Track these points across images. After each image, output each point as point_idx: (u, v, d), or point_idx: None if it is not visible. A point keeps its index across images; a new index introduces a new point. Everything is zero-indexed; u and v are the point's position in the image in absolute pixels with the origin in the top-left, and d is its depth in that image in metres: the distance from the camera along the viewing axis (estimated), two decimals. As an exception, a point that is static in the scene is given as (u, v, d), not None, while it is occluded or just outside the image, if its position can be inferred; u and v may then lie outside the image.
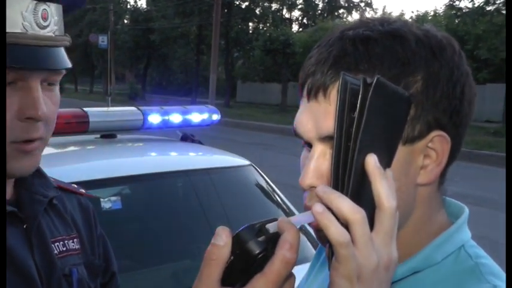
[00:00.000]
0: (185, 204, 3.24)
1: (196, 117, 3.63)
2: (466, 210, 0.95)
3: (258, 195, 3.47)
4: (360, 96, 0.70)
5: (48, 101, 1.14)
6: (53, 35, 1.12)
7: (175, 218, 3.13)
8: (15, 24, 1.05)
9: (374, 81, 0.70)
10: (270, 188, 3.44)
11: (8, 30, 1.04)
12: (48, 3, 1.11)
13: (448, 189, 0.95)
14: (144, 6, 45.08)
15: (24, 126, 1.10)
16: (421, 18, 30.56)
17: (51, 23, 1.12)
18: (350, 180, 0.70)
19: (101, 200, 2.77)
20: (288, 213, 3.23)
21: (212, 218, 3.11)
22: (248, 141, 16.20)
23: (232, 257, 0.70)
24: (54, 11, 1.13)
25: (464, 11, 20.89)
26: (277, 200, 3.38)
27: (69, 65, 1.16)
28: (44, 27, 1.10)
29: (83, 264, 1.35)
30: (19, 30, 1.06)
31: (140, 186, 3.13)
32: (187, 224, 3.11)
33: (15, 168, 1.13)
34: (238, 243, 0.70)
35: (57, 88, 1.19)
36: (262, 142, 16.33)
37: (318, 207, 0.68)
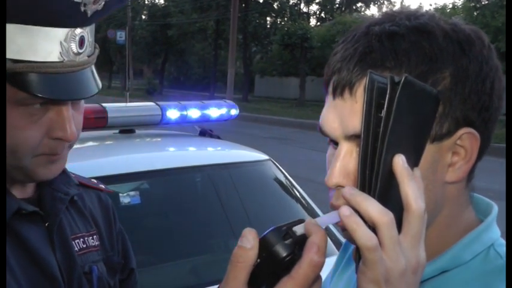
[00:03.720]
0: (204, 199, 3.23)
1: (215, 112, 3.62)
2: (495, 207, 0.93)
3: (277, 190, 3.45)
4: (387, 96, 0.68)
5: (75, 113, 1.15)
6: (87, 58, 1.10)
7: (193, 212, 3.13)
8: (52, 53, 1.02)
9: (402, 80, 0.68)
10: (289, 183, 3.43)
11: (42, 59, 1.01)
12: (85, 27, 1.07)
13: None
14: (162, 1, 45.22)
15: (53, 143, 1.11)
16: (440, 11, 30.32)
17: (87, 46, 1.09)
18: (377, 181, 0.69)
19: (120, 195, 2.78)
20: (307, 208, 3.22)
21: (231, 213, 3.10)
22: (266, 135, 16.20)
23: (259, 260, 0.69)
24: (89, 32, 1.10)
25: (483, 3, 20.69)
26: (297, 195, 3.37)
27: (100, 86, 1.15)
28: (80, 53, 1.07)
29: (102, 261, 1.34)
30: (56, 59, 1.03)
31: (159, 181, 3.13)
32: (205, 219, 3.11)
33: (42, 173, 1.14)
34: (265, 246, 0.69)
35: None
36: (281, 136, 16.32)
37: (345, 210, 0.67)
